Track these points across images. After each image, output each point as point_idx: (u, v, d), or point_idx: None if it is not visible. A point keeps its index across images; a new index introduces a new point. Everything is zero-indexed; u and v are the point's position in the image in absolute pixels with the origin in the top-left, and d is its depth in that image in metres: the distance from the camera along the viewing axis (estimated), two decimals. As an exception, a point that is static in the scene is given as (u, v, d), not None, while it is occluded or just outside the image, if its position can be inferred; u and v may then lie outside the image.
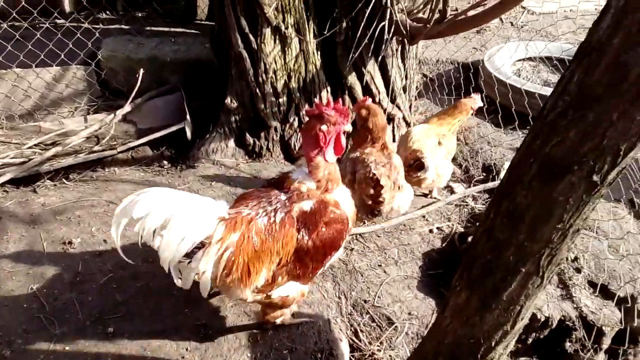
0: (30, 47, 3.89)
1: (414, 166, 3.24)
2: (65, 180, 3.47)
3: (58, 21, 4.56)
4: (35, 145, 3.73)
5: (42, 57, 3.88)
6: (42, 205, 3.14)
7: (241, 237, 1.91)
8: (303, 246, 2.02)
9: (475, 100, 3.56)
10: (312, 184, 2.08)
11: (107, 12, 5.36)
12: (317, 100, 2.09)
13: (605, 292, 2.79)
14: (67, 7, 5.21)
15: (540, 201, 1.36)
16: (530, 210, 1.38)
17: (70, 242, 2.83)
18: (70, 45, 4.04)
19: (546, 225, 1.38)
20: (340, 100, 2.11)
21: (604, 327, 2.58)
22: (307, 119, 2.16)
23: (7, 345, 2.24)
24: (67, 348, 2.26)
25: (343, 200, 2.17)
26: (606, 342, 2.62)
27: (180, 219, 1.79)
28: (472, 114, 3.61)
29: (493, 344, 1.65)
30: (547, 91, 4.25)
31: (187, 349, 2.32)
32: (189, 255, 1.87)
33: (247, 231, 1.93)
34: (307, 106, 3.76)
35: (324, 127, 2.03)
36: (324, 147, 2.06)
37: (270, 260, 1.98)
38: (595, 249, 3.05)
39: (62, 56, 3.97)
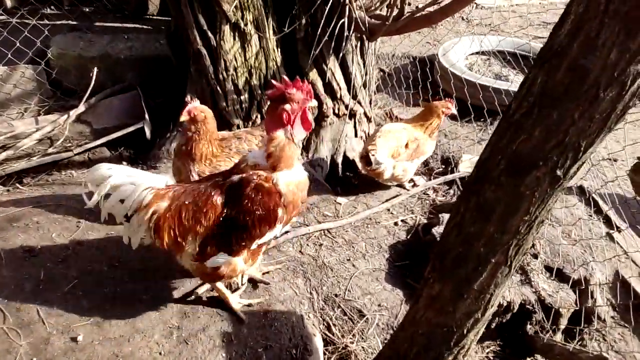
0: (-27, 45, 3.68)
1: (364, 160, 3.52)
2: (19, 185, 3.33)
3: (1, 17, 4.33)
4: (-17, 148, 3.55)
5: (-13, 56, 3.69)
6: (-4, 212, 3.00)
7: (168, 206, 2.14)
8: (228, 217, 2.13)
9: (449, 106, 3.70)
10: (263, 161, 2.12)
11: (53, 8, 5.12)
12: (274, 82, 2.08)
13: (560, 276, 2.97)
14: (9, 2, 4.94)
15: (509, 195, 1.44)
16: (500, 204, 1.47)
17: (29, 250, 2.72)
18: (17, 44, 3.84)
19: (514, 217, 1.46)
20: (298, 78, 2.09)
21: (561, 309, 2.75)
22: (268, 102, 2.19)
23: (-31, 361, 2.14)
24: (34, 359, 2.19)
25: (286, 179, 2.12)
26: (563, 323, 2.79)
27: (121, 186, 2.15)
28: (444, 118, 3.75)
29: (465, 331, 1.74)
30: (501, 85, 4.45)
31: (160, 353, 2.29)
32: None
33: (175, 200, 2.15)
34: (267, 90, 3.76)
35: (287, 107, 2.05)
36: (289, 125, 2.09)
37: (197, 229, 2.14)
38: (550, 235, 3.23)
39: (9, 55, 3.77)
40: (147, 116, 3.87)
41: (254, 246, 2.23)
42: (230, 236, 2.16)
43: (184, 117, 2.60)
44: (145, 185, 2.15)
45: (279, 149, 2.10)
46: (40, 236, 2.83)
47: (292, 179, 2.16)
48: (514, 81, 4.80)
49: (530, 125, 1.34)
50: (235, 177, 2.15)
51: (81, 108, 3.93)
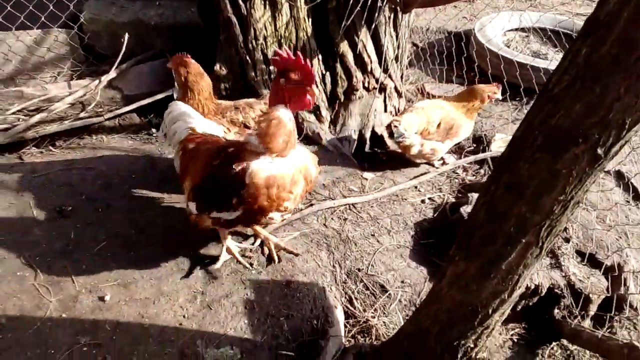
0: (9, 8, 3.72)
1: (388, 131, 3.49)
2: (51, 148, 3.40)
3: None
4: (18, 111, 3.62)
5: (21, 19, 3.72)
6: (30, 172, 3.08)
7: (190, 148, 2.50)
8: (205, 179, 2.28)
9: (495, 91, 3.56)
10: (255, 140, 2.10)
11: (87, -28, 5.13)
12: (281, 52, 2.02)
13: (592, 261, 2.88)
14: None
15: (543, 173, 1.38)
16: (533, 182, 1.41)
17: (61, 210, 2.79)
18: (51, 7, 3.88)
19: (548, 196, 1.40)
20: (300, 55, 2.01)
21: (591, 295, 2.68)
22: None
23: (2, 313, 2.22)
24: (63, 315, 2.26)
25: (264, 172, 2.08)
26: (593, 309, 2.72)
27: (177, 121, 2.70)
28: (489, 102, 3.62)
29: (490, 311, 1.70)
30: (540, 63, 4.27)
31: (184, 316, 2.34)
32: None
33: (196, 146, 2.48)
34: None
35: (282, 81, 2.03)
36: (284, 100, 2.07)
37: (190, 173, 2.42)
38: (584, 220, 3.13)
39: (43, 18, 3.81)
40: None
41: (214, 215, 2.29)
42: (201, 194, 2.31)
43: (168, 64, 3.09)
44: (188, 127, 2.60)
45: (267, 124, 2.04)
46: (71, 198, 2.90)
47: (273, 171, 2.09)
48: (553, 59, 4.60)
49: (571, 99, 1.27)
50: (230, 148, 2.22)
51: (112, 74, 3.96)
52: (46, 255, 2.53)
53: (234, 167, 2.09)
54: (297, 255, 2.68)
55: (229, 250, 2.60)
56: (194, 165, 2.41)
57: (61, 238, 2.63)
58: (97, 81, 3.92)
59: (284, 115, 2.05)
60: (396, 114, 4.08)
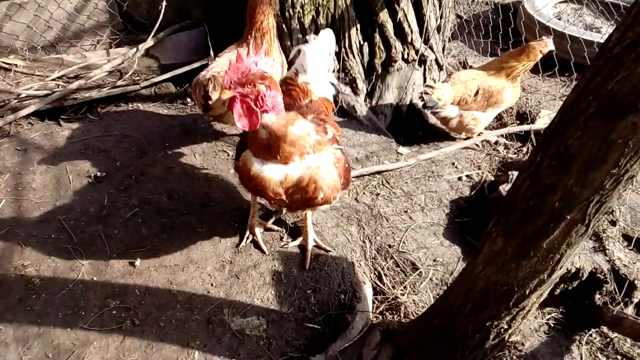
0: (50, -25, 3.75)
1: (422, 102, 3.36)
2: (89, 114, 3.44)
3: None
4: (58, 77, 3.68)
5: (63, -14, 3.75)
6: (67, 138, 3.12)
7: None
8: None
9: (547, 43, 3.33)
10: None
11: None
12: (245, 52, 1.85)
13: (640, 246, 2.71)
14: None
15: (596, 143, 1.26)
16: (583, 152, 1.28)
17: (95, 176, 2.82)
18: (92, -26, 3.89)
19: (599, 169, 1.28)
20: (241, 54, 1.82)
21: (636, 281, 2.51)
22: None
23: (37, 274, 2.28)
24: (94, 279, 2.30)
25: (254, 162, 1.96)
26: (637, 296, 2.56)
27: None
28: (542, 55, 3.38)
29: (527, 292, 1.60)
30: (593, 36, 4.00)
31: (212, 284, 2.33)
32: None
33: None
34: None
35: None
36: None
37: None
38: (632, 202, 2.93)
39: (84, -15, 3.83)
40: (212, 53, 3.84)
41: None
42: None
43: None
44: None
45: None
46: (105, 164, 2.93)
47: (258, 171, 1.97)
48: (607, 33, 4.29)
49: (633, 59, 1.14)
50: None
51: (150, 42, 3.96)
52: (80, 219, 2.56)
53: (242, 141, 2.16)
54: (328, 252, 2.55)
55: (251, 230, 2.55)
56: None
57: (95, 203, 2.66)
58: (134, 49, 3.94)
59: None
60: (435, 87, 3.92)
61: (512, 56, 3.41)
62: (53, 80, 3.63)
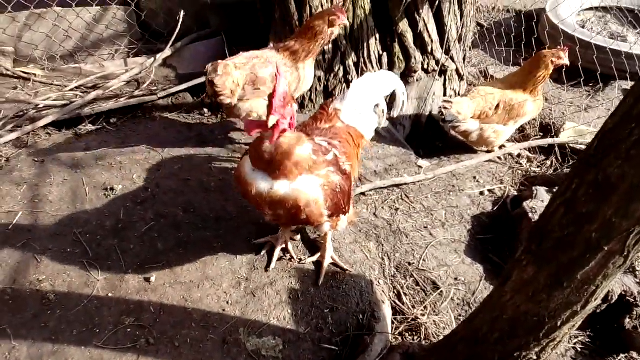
0: (69, -15, 3.77)
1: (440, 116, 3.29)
2: (106, 125, 3.42)
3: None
4: (76, 87, 3.69)
5: (82, -5, 3.77)
6: (84, 149, 3.11)
7: None
8: None
9: (560, 55, 3.20)
10: None
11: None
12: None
13: (672, 268, 2.59)
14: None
15: (638, 172, 1.17)
16: (625, 182, 1.20)
17: (112, 189, 2.80)
18: (110, -16, 3.90)
19: (642, 200, 1.20)
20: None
21: (669, 305, 2.41)
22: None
23: (52, 289, 2.25)
24: (109, 295, 2.26)
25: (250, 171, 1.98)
26: (670, 321, 2.45)
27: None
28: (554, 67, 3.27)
29: (559, 323, 1.52)
30: (620, 46, 3.88)
31: (228, 302, 2.28)
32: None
33: None
34: (353, 55, 3.56)
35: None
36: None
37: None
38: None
39: (102, -5, 3.84)
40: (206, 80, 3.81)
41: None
42: None
43: None
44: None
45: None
46: (122, 176, 2.90)
47: (255, 184, 1.97)
48: (637, 42, 4.17)
49: (683, 86, 1.06)
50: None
51: (167, 52, 3.95)
52: (96, 233, 2.54)
53: (245, 152, 2.11)
54: (346, 271, 2.49)
55: (274, 239, 2.51)
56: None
57: (111, 217, 2.63)
58: (152, 59, 3.93)
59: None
60: (456, 99, 3.85)
61: (526, 69, 3.33)
62: (71, 90, 3.64)
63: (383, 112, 2.66)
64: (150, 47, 4.14)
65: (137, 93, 3.69)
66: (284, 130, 1.85)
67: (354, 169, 2.39)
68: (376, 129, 3.53)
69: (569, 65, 3.26)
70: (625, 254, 1.32)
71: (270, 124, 1.82)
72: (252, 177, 1.96)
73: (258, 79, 2.87)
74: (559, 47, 3.29)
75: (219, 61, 2.79)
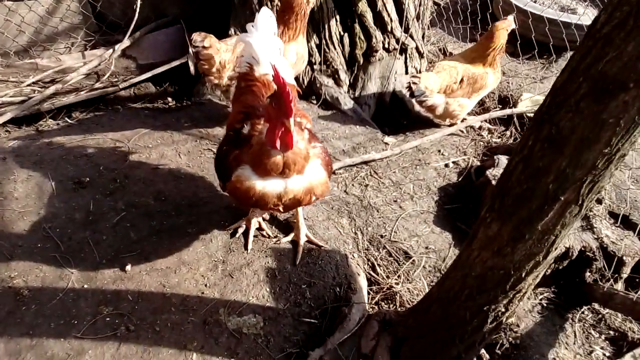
0: (19, -23, 3.65)
1: (409, 91, 3.31)
2: (68, 119, 3.36)
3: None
4: (34, 83, 3.59)
5: (32, -12, 3.65)
6: (47, 144, 3.04)
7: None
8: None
9: (509, 22, 3.40)
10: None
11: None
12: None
13: (626, 223, 2.76)
14: None
15: (588, 123, 1.26)
16: (576, 133, 1.29)
17: (79, 182, 2.76)
18: (62, -25, 3.79)
19: (592, 149, 1.29)
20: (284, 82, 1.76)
21: (624, 257, 2.56)
22: None
23: (25, 285, 2.22)
24: (85, 286, 2.25)
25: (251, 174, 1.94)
26: (626, 272, 2.61)
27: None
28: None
29: (524, 274, 1.61)
30: (570, 18, 4.03)
31: (206, 285, 2.31)
32: None
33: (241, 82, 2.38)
34: (315, 37, 3.58)
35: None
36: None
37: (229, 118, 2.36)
38: (617, 180, 2.98)
39: (54, -13, 3.73)
40: (191, 51, 3.78)
41: None
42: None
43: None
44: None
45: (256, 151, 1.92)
46: (89, 168, 2.86)
47: (256, 185, 1.95)
48: (584, 14, 4.35)
49: (622, 39, 1.14)
50: (244, 129, 2.04)
51: (126, 42, 3.88)
52: (66, 227, 2.51)
53: (230, 158, 2.00)
54: (321, 247, 2.53)
55: (247, 222, 2.53)
56: (233, 109, 2.38)
57: (80, 209, 2.60)
58: (110, 50, 3.86)
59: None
60: (417, 76, 3.93)
61: (483, 44, 3.44)
62: (28, 85, 3.54)
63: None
64: (107, 38, 4.06)
65: (97, 85, 3.63)
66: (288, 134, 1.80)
67: (311, 123, 2.33)
68: (342, 108, 3.62)
69: (517, 28, 3.42)
70: (580, 202, 1.41)
71: (292, 129, 1.74)
72: (265, 185, 1.92)
73: None
74: (507, 17, 3.45)
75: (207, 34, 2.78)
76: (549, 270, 2.59)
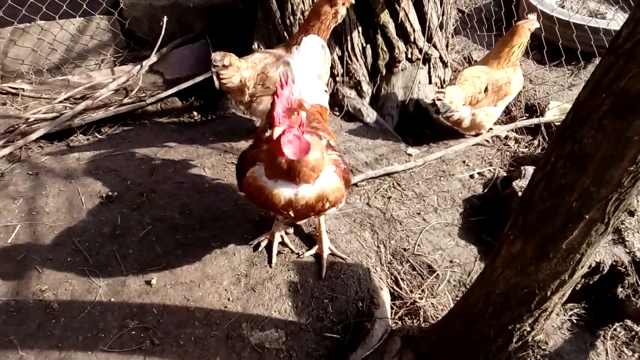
0: (52, -3, 3.78)
1: (435, 108, 3.24)
2: (97, 134, 3.46)
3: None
4: (65, 99, 3.71)
5: (64, 7, 3.78)
6: (77, 159, 3.14)
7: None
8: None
9: (532, 21, 3.35)
10: None
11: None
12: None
13: (660, 236, 2.66)
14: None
15: (612, 141, 1.23)
16: (599, 151, 1.26)
17: (107, 196, 2.83)
18: (92, -6, 3.91)
19: (616, 167, 1.25)
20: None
21: (658, 272, 2.47)
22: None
23: (55, 298, 2.29)
24: (112, 300, 2.30)
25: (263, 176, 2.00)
26: (661, 288, 2.51)
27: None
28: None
29: (549, 293, 1.57)
30: (599, 23, 3.94)
31: (229, 299, 2.33)
32: None
33: None
34: (337, 49, 3.60)
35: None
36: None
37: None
38: (650, 191, 2.88)
39: (85, 6, 3.85)
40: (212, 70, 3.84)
41: None
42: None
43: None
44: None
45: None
46: (117, 183, 2.94)
47: (269, 188, 1.99)
48: (614, 19, 4.23)
49: (646, 55, 1.11)
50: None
51: (153, 58, 3.98)
52: (94, 240, 2.57)
53: (248, 155, 2.13)
54: (344, 260, 2.53)
55: (271, 235, 2.55)
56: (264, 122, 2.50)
57: (108, 223, 2.67)
58: (138, 66, 3.96)
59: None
60: (441, 85, 3.90)
61: (505, 42, 3.39)
62: (60, 102, 3.66)
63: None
64: (135, 54, 4.17)
65: (125, 101, 3.72)
66: (299, 141, 1.82)
67: (335, 141, 2.39)
68: (365, 119, 3.61)
69: (543, 34, 3.34)
70: (606, 220, 1.37)
71: (275, 136, 1.76)
72: (274, 187, 1.95)
73: (268, 78, 2.89)
74: (528, 15, 3.42)
75: (226, 53, 2.82)
76: (579, 286, 2.51)
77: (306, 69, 2.43)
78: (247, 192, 2.10)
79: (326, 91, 2.59)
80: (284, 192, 1.95)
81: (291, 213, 2.03)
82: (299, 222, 2.66)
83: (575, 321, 2.53)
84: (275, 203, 1.97)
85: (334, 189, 2.03)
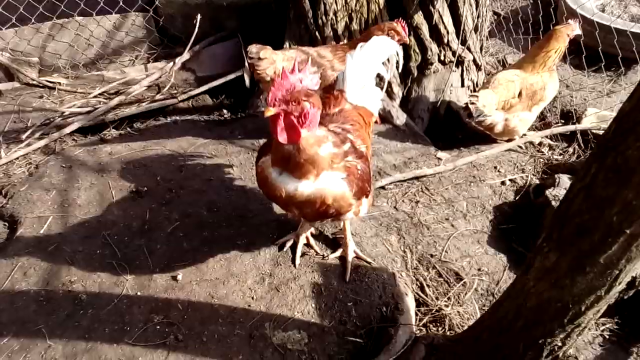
0: (90, -6, 3.86)
1: (466, 112, 3.17)
2: (129, 129, 3.52)
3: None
4: (100, 94, 3.79)
5: (101, 4, 3.86)
6: (109, 154, 3.20)
7: None
8: None
9: (572, 27, 3.25)
10: None
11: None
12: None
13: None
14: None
15: (658, 154, 1.17)
16: (644, 164, 1.20)
17: (137, 191, 2.87)
18: (128, -9, 3.98)
19: (662, 181, 1.19)
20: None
21: (699, 290, 2.35)
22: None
23: (83, 290, 2.33)
24: (138, 294, 2.33)
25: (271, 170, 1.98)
26: (700, 306, 2.40)
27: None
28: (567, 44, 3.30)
29: (583, 308, 1.51)
30: (642, 28, 3.80)
31: (253, 298, 2.33)
32: None
33: None
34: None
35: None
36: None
37: None
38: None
39: (121, 3, 3.92)
40: (247, 64, 3.86)
41: None
42: None
43: None
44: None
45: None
46: (147, 178, 2.98)
47: (276, 181, 1.97)
48: (658, 23, 4.08)
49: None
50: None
51: (186, 56, 4.02)
52: (123, 234, 2.61)
53: (264, 145, 2.15)
54: (370, 263, 2.50)
55: (296, 237, 2.53)
56: None
57: (137, 218, 2.71)
58: (171, 63, 4.01)
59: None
60: (474, 89, 3.82)
61: (541, 46, 3.30)
62: (95, 97, 3.74)
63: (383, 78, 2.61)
64: (169, 51, 4.23)
65: (158, 97, 3.77)
66: (293, 128, 1.80)
67: (369, 148, 2.35)
68: (394, 121, 3.57)
69: (581, 35, 3.28)
70: (649, 236, 1.31)
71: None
72: (277, 179, 1.94)
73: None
74: (569, 20, 3.32)
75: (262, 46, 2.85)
76: (613, 299, 2.42)
77: (360, 68, 2.37)
78: (258, 182, 2.11)
79: (382, 99, 2.56)
80: (285, 184, 1.92)
81: (295, 209, 2.02)
82: (318, 224, 2.64)
83: (607, 336, 2.44)
84: (276, 195, 1.96)
85: (335, 196, 1.96)
